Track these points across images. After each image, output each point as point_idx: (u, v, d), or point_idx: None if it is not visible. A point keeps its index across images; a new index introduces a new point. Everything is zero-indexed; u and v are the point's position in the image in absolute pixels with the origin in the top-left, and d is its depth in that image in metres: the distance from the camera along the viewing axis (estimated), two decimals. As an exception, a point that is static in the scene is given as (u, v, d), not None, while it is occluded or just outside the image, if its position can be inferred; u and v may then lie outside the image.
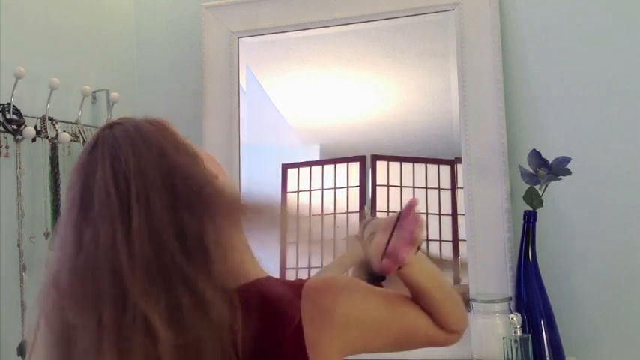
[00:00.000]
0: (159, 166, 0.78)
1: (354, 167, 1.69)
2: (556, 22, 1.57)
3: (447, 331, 0.92)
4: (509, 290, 1.48)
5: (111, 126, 0.82)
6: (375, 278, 0.91)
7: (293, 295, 0.79)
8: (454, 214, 1.61)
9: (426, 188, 1.65)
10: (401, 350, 0.91)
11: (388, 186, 1.67)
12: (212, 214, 0.78)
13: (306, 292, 0.79)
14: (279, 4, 1.74)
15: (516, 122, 1.57)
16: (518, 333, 1.33)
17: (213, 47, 1.79)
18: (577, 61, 1.55)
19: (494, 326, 1.39)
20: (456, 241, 1.60)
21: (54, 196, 1.49)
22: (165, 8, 1.91)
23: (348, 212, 1.68)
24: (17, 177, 1.41)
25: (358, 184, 1.68)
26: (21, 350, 1.38)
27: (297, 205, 1.66)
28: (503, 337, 1.35)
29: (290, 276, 1.66)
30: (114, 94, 1.71)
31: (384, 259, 0.83)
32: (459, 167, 1.59)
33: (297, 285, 0.80)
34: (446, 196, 1.63)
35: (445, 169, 1.64)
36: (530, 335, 1.35)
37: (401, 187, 1.66)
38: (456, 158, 1.61)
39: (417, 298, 0.90)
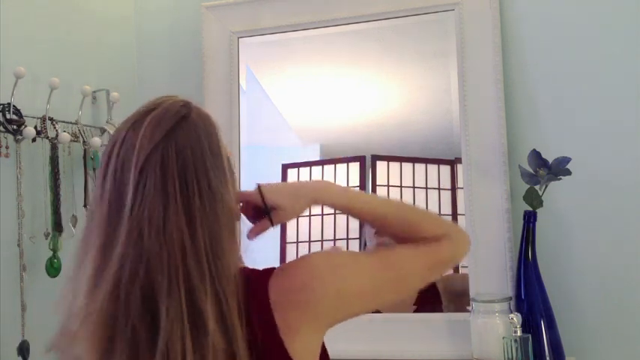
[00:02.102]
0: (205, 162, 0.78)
1: (354, 167, 1.69)
2: (556, 22, 1.57)
3: (428, 240, 0.91)
4: (509, 290, 1.48)
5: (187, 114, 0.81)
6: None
7: (263, 280, 0.80)
8: (454, 214, 1.61)
9: (426, 188, 1.65)
10: (410, 292, 0.93)
11: (388, 186, 1.67)
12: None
13: (274, 278, 0.81)
14: (279, 4, 1.74)
15: (516, 122, 1.57)
16: (518, 333, 1.33)
17: (213, 47, 1.79)
18: (577, 61, 1.55)
19: (494, 326, 1.39)
20: (456, 241, 1.61)
21: (54, 196, 1.49)
22: (166, 8, 1.91)
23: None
24: (17, 177, 1.41)
25: (358, 184, 1.68)
26: (21, 350, 1.38)
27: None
28: (503, 337, 1.35)
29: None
30: (114, 94, 1.71)
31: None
32: (459, 167, 1.59)
33: (267, 271, 0.82)
34: (446, 196, 1.63)
35: (445, 169, 1.64)
36: (530, 335, 1.35)
37: (401, 187, 1.66)
38: (456, 158, 1.61)
39: (374, 225, 0.96)
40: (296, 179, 1.73)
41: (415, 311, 1.61)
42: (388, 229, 0.94)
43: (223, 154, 0.81)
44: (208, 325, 0.71)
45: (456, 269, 1.61)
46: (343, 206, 0.94)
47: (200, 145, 0.77)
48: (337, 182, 1.69)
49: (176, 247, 0.73)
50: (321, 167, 1.73)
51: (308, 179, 0.93)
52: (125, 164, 0.76)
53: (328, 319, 0.83)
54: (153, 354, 0.70)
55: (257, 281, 0.80)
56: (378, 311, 1.61)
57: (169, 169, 0.75)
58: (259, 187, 0.89)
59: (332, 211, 1.68)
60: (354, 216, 0.97)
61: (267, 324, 0.77)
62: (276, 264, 0.83)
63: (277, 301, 0.78)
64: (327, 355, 0.87)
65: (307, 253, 0.89)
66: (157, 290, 0.72)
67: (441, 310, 1.61)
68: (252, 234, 0.90)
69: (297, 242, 1.72)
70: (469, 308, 1.48)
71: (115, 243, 0.74)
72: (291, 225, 1.72)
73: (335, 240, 1.70)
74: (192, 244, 0.73)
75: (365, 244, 1.66)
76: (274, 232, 1.69)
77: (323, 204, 0.93)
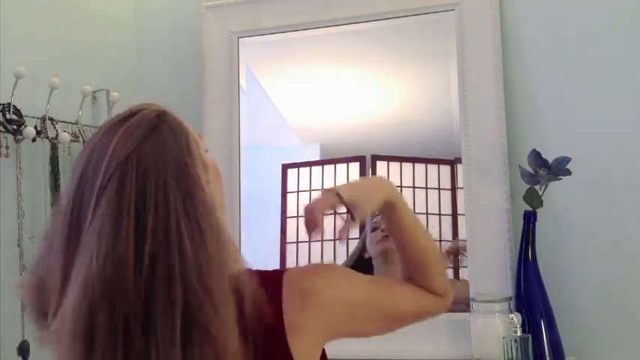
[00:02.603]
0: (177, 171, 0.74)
1: (354, 167, 1.69)
2: (556, 22, 1.57)
3: (433, 294, 0.96)
4: (509, 290, 1.48)
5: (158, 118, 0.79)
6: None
7: (275, 283, 0.81)
8: (454, 214, 1.61)
9: (426, 188, 1.65)
10: (394, 329, 0.94)
11: (388, 186, 1.67)
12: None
13: (287, 278, 0.82)
14: (279, 4, 1.74)
15: (516, 122, 1.57)
16: (518, 333, 1.33)
17: (213, 47, 1.79)
18: (577, 61, 1.55)
19: (494, 326, 1.39)
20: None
21: (54, 196, 1.49)
22: (166, 8, 1.91)
23: (348, 213, 1.68)
24: (17, 177, 1.41)
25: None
26: (21, 350, 1.38)
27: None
28: (503, 337, 1.35)
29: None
30: (114, 94, 1.71)
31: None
32: (459, 167, 1.59)
33: (279, 272, 0.84)
34: (446, 196, 1.63)
35: (445, 169, 1.64)
36: (530, 335, 1.35)
37: (401, 187, 1.66)
38: (456, 158, 1.61)
39: (403, 244, 0.97)
40: (296, 179, 1.73)
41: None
42: (408, 256, 0.98)
43: (193, 165, 0.75)
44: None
45: (457, 275, 1.61)
46: (403, 214, 0.98)
47: (164, 161, 0.73)
48: (337, 182, 1.70)
49: (125, 270, 0.68)
50: (321, 167, 1.73)
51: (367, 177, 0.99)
52: (90, 179, 0.73)
53: (332, 326, 0.84)
54: None
55: (271, 282, 0.81)
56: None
57: (127, 188, 0.71)
58: (335, 189, 0.92)
59: (331, 211, 1.68)
60: (397, 225, 0.99)
61: (275, 324, 0.78)
62: (276, 264, 0.84)
63: (288, 302, 0.80)
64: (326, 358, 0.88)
65: (320, 262, 0.93)
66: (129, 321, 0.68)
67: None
68: (342, 234, 0.93)
69: (297, 242, 1.72)
70: (469, 308, 1.48)
71: (75, 259, 0.71)
72: (291, 225, 1.72)
73: (335, 240, 1.70)
74: (137, 266, 0.68)
75: (363, 246, 1.66)
76: (275, 232, 1.71)
77: (393, 202, 0.96)
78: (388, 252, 1.63)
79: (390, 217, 0.98)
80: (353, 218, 0.91)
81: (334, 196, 0.90)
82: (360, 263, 1.66)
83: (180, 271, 0.68)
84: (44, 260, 0.76)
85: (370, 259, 1.66)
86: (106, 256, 0.68)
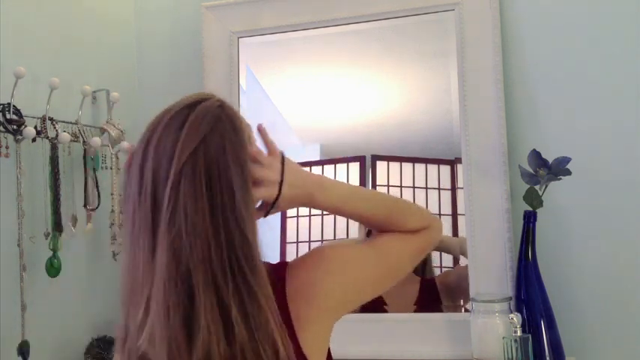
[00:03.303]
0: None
1: (354, 167, 1.70)
2: (556, 22, 1.57)
3: (416, 231, 0.96)
4: (509, 290, 1.48)
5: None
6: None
7: (279, 276, 0.84)
8: (454, 214, 1.61)
9: (426, 188, 1.65)
10: (397, 280, 0.96)
11: (388, 186, 1.67)
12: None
13: (289, 271, 0.85)
14: (279, 4, 1.73)
15: (516, 122, 1.57)
16: (518, 333, 1.33)
17: (213, 47, 1.79)
18: (577, 61, 1.55)
19: (494, 326, 1.39)
20: (456, 241, 1.61)
21: (54, 196, 1.49)
22: (166, 8, 1.91)
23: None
24: (17, 177, 1.41)
25: (358, 184, 1.68)
26: (21, 350, 1.38)
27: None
28: (503, 337, 1.35)
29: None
30: (114, 94, 1.71)
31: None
32: (459, 167, 1.59)
33: (283, 265, 0.87)
34: (446, 196, 1.63)
35: (445, 169, 1.64)
36: (530, 335, 1.35)
37: (401, 187, 1.66)
38: (456, 158, 1.61)
39: (358, 219, 0.98)
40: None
41: (415, 311, 1.61)
42: (372, 225, 0.99)
43: (245, 160, 0.81)
44: (232, 318, 0.73)
45: (456, 262, 1.62)
46: (332, 210, 0.96)
47: (224, 151, 0.79)
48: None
49: (204, 246, 0.75)
50: (321, 167, 1.73)
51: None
52: (163, 172, 0.79)
53: (337, 312, 0.88)
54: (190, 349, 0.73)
55: (275, 274, 0.83)
56: (383, 310, 1.61)
57: (197, 176, 0.77)
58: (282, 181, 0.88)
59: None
60: (343, 216, 1.01)
61: (283, 315, 0.80)
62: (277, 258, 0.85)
63: (292, 293, 0.83)
64: (331, 357, 0.89)
65: (320, 246, 0.92)
66: (195, 291, 0.74)
67: (440, 310, 1.61)
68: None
69: (297, 242, 1.72)
70: (469, 307, 1.48)
71: (157, 247, 0.77)
72: (291, 225, 1.72)
73: (334, 240, 1.70)
74: (216, 241, 0.76)
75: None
76: (275, 232, 1.71)
77: (313, 207, 0.93)
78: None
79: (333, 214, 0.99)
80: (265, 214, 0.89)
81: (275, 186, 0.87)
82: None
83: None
84: (134, 256, 0.79)
85: None
86: (193, 235, 0.75)
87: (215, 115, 0.81)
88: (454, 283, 1.60)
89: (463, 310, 1.58)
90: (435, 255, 1.65)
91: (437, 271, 1.65)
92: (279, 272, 0.84)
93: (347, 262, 0.90)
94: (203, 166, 0.77)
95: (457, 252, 1.61)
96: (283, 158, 0.87)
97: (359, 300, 0.93)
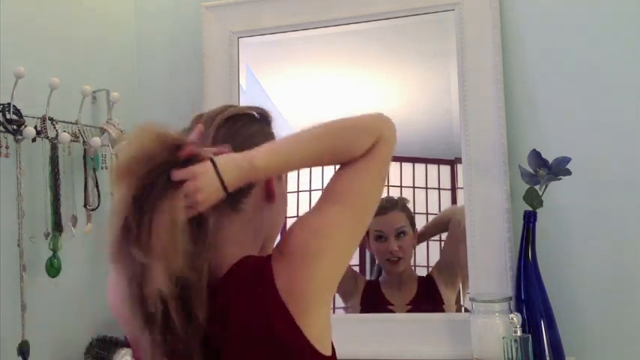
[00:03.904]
0: None
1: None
2: (556, 22, 1.57)
3: (368, 151, 0.88)
4: (509, 290, 1.48)
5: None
6: None
7: (267, 268, 0.82)
8: (454, 214, 1.62)
9: (426, 188, 1.65)
10: (371, 216, 0.89)
11: (388, 186, 1.67)
12: None
13: (274, 264, 0.82)
14: (279, 4, 1.73)
15: (516, 122, 1.57)
16: (518, 333, 1.33)
17: (213, 47, 1.79)
18: (577, 61, 1.55)
19: (494, 326, 1.39)
20: (456, 241, 1.61)
21: (54, 196, 1.49)
22: (166, 8, 1.91)
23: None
24: (17, 177, 1.41)
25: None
26: (21, 350, 1.38)
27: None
28: (503, 337, 1.35)
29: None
30: (114, 94, 1.71)
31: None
32: (459, 167, 1.59)
33: (266, 259, 0.84)
34: (446, 196, 1.63)
35: (445, 169, 1.64)
36: (530, 335, 1.35)
37: (401, 187, 1.66)
38: (456, 158, 1.61)
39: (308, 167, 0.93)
40: (296, 179, 1.73)
41: (409, 310, 1.61)
42: (320, 165, 0.92)
43: None
44: None
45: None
46: (280, 172, 0.92)
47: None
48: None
49: None
50: (321, 167, 1.73)
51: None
52: None
53: (330, 287, 0.85)
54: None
55: (262, 269, 0.82)
56: (383, 310, 1.61)
57: None
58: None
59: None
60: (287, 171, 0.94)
61: (282, 312, 0.79)
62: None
63: (284, 287, 0.80)
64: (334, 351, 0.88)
65: (291, 228, 0.88)
66: None
67: (441, 310, 1.61)
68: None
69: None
70: (468, 307, 1.48)
71: None
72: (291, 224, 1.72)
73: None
74: None
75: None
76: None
77: (260, 176, 0.87)
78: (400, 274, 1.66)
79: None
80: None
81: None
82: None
83: None
84: None
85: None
86: None
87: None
88: (446, 261, 1.60)
89: (463, 310, 1.58)
90: (423, 255, 1.65)
91: (424, 271, 1.65)
92: (266, 267, 0.82)
93: (320, 230, 0.84)
94: None
95: (445, 219, 1.61)
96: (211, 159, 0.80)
97: (349, 259, 0.87)
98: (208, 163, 0.78)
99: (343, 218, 0.85)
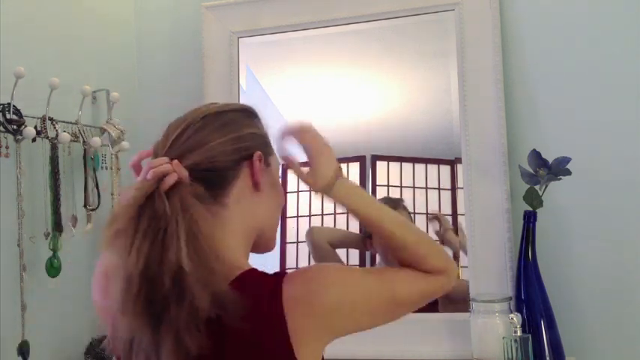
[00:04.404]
0: None
1: (354, 167, 1.69)
2: (556, 22, 1.57)
3: (429, 272, 0.93)
4: (509, 290, 1.48)
5: None
6: None
7: (276, 284, 0.81)
8: (454, 214, 1.61)
9: (426, 188, 1.65)
10: (399, 316, 0.93)
11: (388, 186, 1.67)
12: None
13: (285, 285, 0.81)
14: (279, 4, 1.73)
15: (516, 122, 1.57)
16: (518, 333, 1.33)
17: (213, 47, 1.79)
18: (577, 61, 1.55)
19: (494, 326, 1.39)
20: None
21: (54, 196, 1.49)
22: (166, 8, 1.91)
23: (348, 212, 1.68)
24: (17, 177, 1.41)
25: (358, 184, 1.68)
26: (21, 350, 1.38)
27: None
28: (503, 337, 1.35)
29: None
30: (114, 94, 1.71)
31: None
32: (459, 167, 1.59)
33: (280, 274, 0.83)
34: (446, 196, 1.63)
35: (445, 169, 1.64)
36: (530, 335, 1.35)
37: (401, 187, 1.66)
38: (456, 158, 1.61)
39: (374, 230, 0.97)
40: (296, 179, 1.73)
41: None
42: (390, 246, 0.96)
43: None
44: None
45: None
46: (350, 208, 0.97)
47: None
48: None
49: None
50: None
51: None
52: None
53: (335, 331, 0.85)
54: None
55: (272, 283, 0.81)
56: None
57: None
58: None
59: (332, 211, 1.68)
60: (364, 221, 0.99)
61: (280, 331, 0.78)
62: (276, 263, 0.84)
63: (290, 308, 0.79)
64: None
65: (322, 263, 0.90)
66: None
67: (438, 310, 1.60)
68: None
69: (297, 242, 1.72)
70: (468, 308, 1.48)
71: None
72: (291, 225, 1.72)
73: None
74: None
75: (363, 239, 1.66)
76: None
77: (337, 195, 0.97)
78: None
79: (354, 214, 0.98)
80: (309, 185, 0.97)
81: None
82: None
83: None
84: None
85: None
86: None
87: None
88: (456, 296, 1.59)
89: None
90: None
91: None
92: (277, 281, 0.81)
93: (348, 280, 0.86)
94: None
95: (457, 248, 1.60)
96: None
97: (355, 323, 0.87)
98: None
99: (380, 304, 0.89)
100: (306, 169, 0.96)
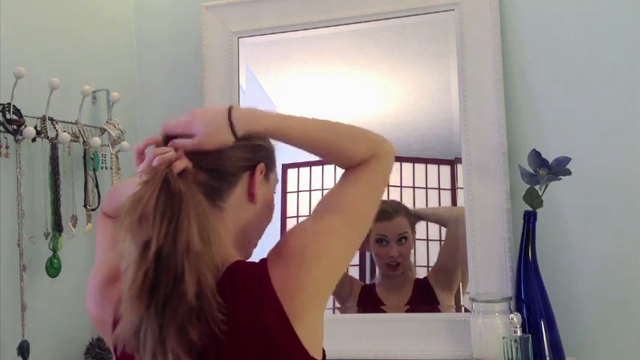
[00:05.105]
0: None
1: (354, 167, 1.69)
2: (556, 22, 1.57)
3: (364, 162, 0.92)
4: (509, 290, 1.48)
5: None
6: None
7: (261, 272, 0.83)
8: (454, 214, 1.62)
9: (426, 188, 1.65)
10: (367, 229, 0.93)
11: (388, 186, 1.67)
12: None
13: (270, 265, 0.83)
14: (279, 4, 1.73)
15: (516, 122, 1.57)
16: (518, 333, 1.33)
17: (213, 47, 1.79)
18: (577, 60, 1.55)
19: (494, 326, 1.39)
20: (456, 241, 1.61)
21: (54, 196, 1.49)
22: (165, 8, 1.91)
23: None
24: (17, 177, 1.41)
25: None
26: (21, 350, 1.38)
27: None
28: (503, 337, 1.35)
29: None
30: (114, 94, 1.71)
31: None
32: (459, 167, 1.59)
33: (262, 262, 0.85)
34: (446, 196, 1.63)
35: (445, 169, 1.64)
36: (530, 335, 1.35)
37: (401, 187, 1.66)
38: (456, 158, 1.61)
39: (301, 147, 0.94)
40: (296, 179, 1.73)
41: (407, 310, 1.61)
42: (317, 154, 0.96)
43: None
44: None
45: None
46: (273, 129, 0.92)
47: None
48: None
49: None
50: (321, 167, 1.73)
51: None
52: None
53: (326, 292, 0.87)
54: None
55: (259, 271, 0.83)
56: (382, 310, 1.62)
57: None
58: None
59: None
60: (284, 139, 0.95)
61: (277, 310, 0.80)
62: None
63: (281, 289, 0.81)
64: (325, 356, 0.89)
65: (288, 233, 0.89)
66: None
67: (437, 309, 1.61)
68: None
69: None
70: (469, 307, 1.48)
71: None
72: (291, 225, 1.72)
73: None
74: None
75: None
76: (275, 232, 1.71)
77: (251, 130, 0.89)
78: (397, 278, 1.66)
79: (274, 137, 0.95)
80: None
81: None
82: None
83: None
84: None
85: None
86: None
87: None
88: (442, 265, 1.60)
89: (463, 310, 1.58)
90: (422, 255, 1.65)
91: (424, 271, 1.65)
92: (262, 269, 0.83)
93: (320, 234, 0.86)
94: None
95: (446, 219, 1.61)
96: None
97: (345, 265, 0.90)
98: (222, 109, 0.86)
99: (340, 226, 0.88)
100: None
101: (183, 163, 0.83)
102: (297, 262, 0.83)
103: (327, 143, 0.93)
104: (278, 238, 0.89)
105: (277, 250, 0.86)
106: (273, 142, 0.97)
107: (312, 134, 0.93)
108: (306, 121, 0.93)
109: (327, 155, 0.95)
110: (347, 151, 0.92)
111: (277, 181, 0.99)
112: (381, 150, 0.95)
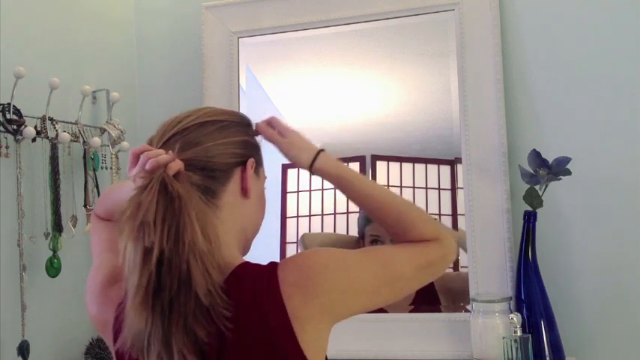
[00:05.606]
0: None
1: (354, 167, 1.69)
2: (556, 22, 1.57)
3: (423, 241, 0.94)
4: (509, 290, 1.48)
5: None
6: None
7: (273, 272, 0.82)
8: (454, 214, 1.61)
9: (426, 188, 1.65)
10: (405, 293, 0.93)
11: (388, 186, 1.67)
12: None
13: (282, 267, 0.83)
14: (279, 4, 1.74)
15: (516, 122, 1.57)
16: (518, 333, 1.33)
17: (213, 47, 1.79)
18: (577, 61, 1.55)
19: (494, 326, 1.39)
20: (456, 241, 1.60)
21: (54, 196, 1.49)
22: (166, 8, 1.91)
23: (348, 212, 1.68)
24: (17, 177, 1.41)
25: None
26: (21, 350, 1.38)
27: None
28: (503, 337, 1.35)
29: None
30: (114, 94, 1.71)
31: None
32: (459, 167, 1.59)
33: (272, 264, 0.84)
34: (446, 196, 1.63)
35: (445, 169, 1.64)
36: (530, 335, 1.35)
37: (401, 187, 1.66)
38: (456, 158, 1.61)
39: (366, 200, 0.98)
40: (296, 179, 1.73)
41: (411, 311, 1.61)
42: (381, 218, 0.97)
43: None
44: None
45: (456, 267, 1.61)
46: (340, 176, 0.97)
47: None
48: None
49: None
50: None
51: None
52: None
53: (333, 313, 0.85)
54: None
55: (268, 274, 0.82)
56: (383, 310, 1.61)
57: None
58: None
59: (332, 211, 1.68)
60: (349, 192, 0.98)
61: (280, 314, 0.79)
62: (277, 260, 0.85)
63: (288, 292, 0.80)
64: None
65: (313, 248, 0.90)
66: None
67: (438, 310, 1.61)
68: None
69: (297, 242, 1.72)
70: (469, 308, 1.48)
71: None
72: (291, 225, 1.72)
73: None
74: None
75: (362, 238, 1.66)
76: (275, 232, 1.71)
77: (322, 168, 0.98)
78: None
79: (338, 185, 0.99)
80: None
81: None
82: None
83: None
84: None
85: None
86: None
87: None
88: (457, 288, 1.58)
89: (463, 310, 1.58)
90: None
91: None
92: (271, 270, 0.83)
93: (342, 261, 0.86)
94: None
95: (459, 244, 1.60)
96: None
97: (355, 303, 0.87)
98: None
99: (377, 280, 0.88)
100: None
101: (177, 165, 0.82)
102: (314, 270, 0.82)
103: (398, 210, 0.96)
104: (278, 238, 0.89)
105: (294, 259, 0.87)
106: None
107: (385, 197, 0.97)
108: (367, 179, 1.05)
109: (381, 218, 0.97)
110: (415, 221, 0.95)
111: (266, 177, 1.00)
112: (445, 238, 0.96)
